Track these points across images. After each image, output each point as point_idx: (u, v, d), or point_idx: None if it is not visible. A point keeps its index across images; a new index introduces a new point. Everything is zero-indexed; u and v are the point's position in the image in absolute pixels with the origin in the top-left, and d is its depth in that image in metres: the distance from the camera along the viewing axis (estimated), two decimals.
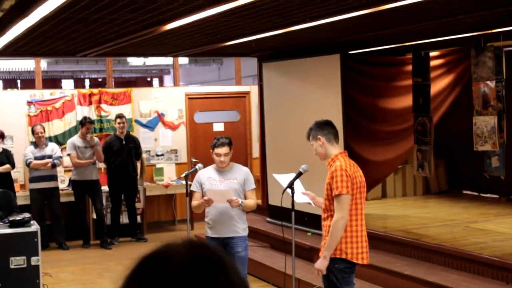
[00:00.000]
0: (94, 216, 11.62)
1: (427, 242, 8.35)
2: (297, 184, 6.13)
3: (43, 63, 17.81)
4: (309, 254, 9.15)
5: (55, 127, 12.17)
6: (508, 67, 9.41)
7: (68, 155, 11.33)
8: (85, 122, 11.33)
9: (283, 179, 6.33)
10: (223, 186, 6.78)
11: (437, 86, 10.05)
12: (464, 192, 12.45)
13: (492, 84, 8.96)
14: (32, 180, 11.11)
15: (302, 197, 6.11)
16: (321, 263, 5.56)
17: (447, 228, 9.24)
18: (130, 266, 1.24)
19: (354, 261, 5.58)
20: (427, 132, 9.72)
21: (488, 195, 11.85)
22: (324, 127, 5.75)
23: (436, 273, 7.61)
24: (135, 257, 1.26)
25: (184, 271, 1.18)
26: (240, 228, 6.85)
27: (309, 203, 6.11)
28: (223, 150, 6.78)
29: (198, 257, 1.21)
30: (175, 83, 13.89)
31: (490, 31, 8.65)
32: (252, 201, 6.89)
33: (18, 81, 25.60)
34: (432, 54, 10.03)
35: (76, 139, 11.36)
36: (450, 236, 8.67)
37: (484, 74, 9.04)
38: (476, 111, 9.21)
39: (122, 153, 11.52)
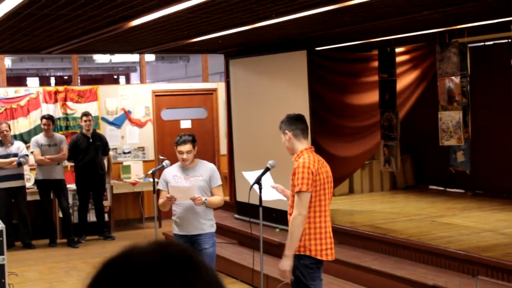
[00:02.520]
0: (61, 215, 11.52)
1: (394, 236, 8.40)
2: (267, 179, 6.10)
3: (7, 61, 17.59)
4: (278, 250, 9.14)
5: (20, 125, 12.04)
6: (472, 63, 9.51)
7: (32, 152, 11.21)
8: (41, 118, 11.30)
9: (252, 176, 6.30)
10: (188, 184, 6.74)
11: (403, 82, 10.12)
12: (431, 187, 12.56)
13: (457, 79, 9.04)
14: None
15: (271, 194, 6.09)
16: (284, 263, 5.48)
17: (414, 223, 9.31)
18: (93, 270, 1.20)
19: (319, 257, 5.54)
20: (394, 127, 9.78)
21: (454, 189, 11.97)
22: (293, 122, 5.70)
23: (404, 267, 7.66)
24: (102, 256, 1.21)
25: (151, 270, 1.13)
26: (207, 225, 6.83)
27: (280, 199, 6.09)
28: (185, 147, 6.72)
29: (165, 256, 1.16)
30: (142, 81, 13.82)
31: (455, 27, 8.72)
32: (218, 197, 6.85)
33: None
34: (397, 50, 10.10)
35: (40, 137, 11.24)
36: (417, 231, 8.74)
37: (449, 69, 9.12)
38: (441, 106, 9.30)
39: (89, 151, 11.43)
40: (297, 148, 5.65)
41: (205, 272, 1.17)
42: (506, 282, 6.83)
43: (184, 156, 6.72)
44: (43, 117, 11.32)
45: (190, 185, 6.69)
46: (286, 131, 5.65)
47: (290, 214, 5.63)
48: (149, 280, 1.12)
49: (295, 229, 5.45)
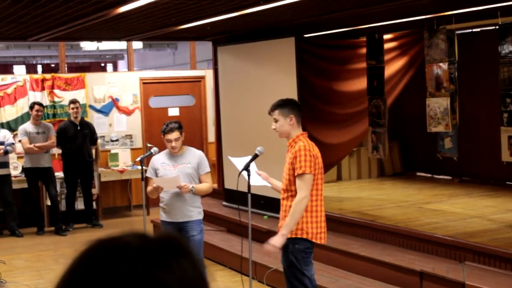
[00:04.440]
0: (49, 203, 11.49)
1: (382, 223, 8.43)
2: (251, 165, 6.12)
3: None
4: (266, 237, 9.10)
5: (7, 113, 11.97)
6: (460, 49, 9.52)
7: (20, 141, 11.16)
8: (33, 104, 11.20)
9: (239, 162, 6.32)
10: (177, 171, 6.75)
11: (391, 68, 10.12)
12: (418, 173, 12.59)
13: (444, 66, 9.06)
14: None
15: (258, 180, 6.11)
16: (278, 240, 5.53)
17: (401, 209, 9.34)
18: (81, 248, 1.20)
19: (314, 240, 5.62)
20: (382, 114, 9.80)
21: (441, 176, 12.01)
22: (295, 107, 5.76)
23: (391, 254, 7.70)
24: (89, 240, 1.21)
25: (136, 261, 1.12)
26: (194, 212, 6.84)
27: (264, 185, 6.11)
28: (173, 135, 6.73)
29: (154, 249, 1.15)
30: (129, 68, 13.76)
31: (442, 14, 8.73)
32: (206, 185, 6.87)
33: None
34: (386, 37, 10.09)
35: (27, 125, 11.19)
36: (404, 217, 8.77)
37: (437, 56, 9.14)
38: (429, 92, 9.31)
39: (77, 139, 11.38)
40: (294, 132, 5.68)
41: (183, 273, 1.14)
42: (493, 267, 6.87)
43: (173, 144, 6.74)
44: (35, 103, 11.23)
45: (176, 174, 6.70)
46: (292, 116, 5.65)
47: (284, 199, 5.67)
48: (131, 271, 1.11)
49: (299, 212, 5.52)
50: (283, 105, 5.73)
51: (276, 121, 5.72)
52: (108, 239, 1.19)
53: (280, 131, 5.74)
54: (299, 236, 5.59)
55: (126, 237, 1.18)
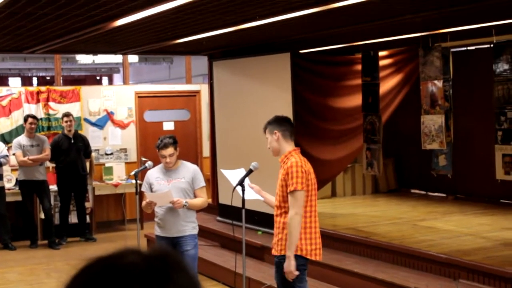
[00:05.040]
0: (42, 216, 11.44)
1: (376, 240, 8.41)
2: (245, 180, 6.12)
3: None
4: (260, 253, 9.15)
5: (2, 125, 11.95)
6: (455, 67, 9.56)
7: (13, 154, 11.12)
8: (27, 117, 11.18)
9: (231, 174, 6.32)
10: (171, 186, 6.73)
11: (386, 85, 10.15)
12: (412, 191, 12.58)
13: (439, 83, 9.09)
14: None
15: (251, 194, 6.10)
16: (289, 265, 5.50)
17: (395, 226, 9.32)
18: (81, 265, 1.19)
19: (309, 257, 5.59)
20: (376, 131, 9.81)
21: (436, 193, 12.00)
22: (283, 122, 5.76)
23: (385, 271, 7.67)
24: (83, 258, 1.20)
25: (136, 282, 1.13)
26: (188, 227, 6.82)
27: (257, 198, 6.10)
28: (168, 151, 6.72)
29: (152, 270, 1.16)
30: (125, 82, 13.77)
31: (437, 32, 8.77)
32: (201, 199, 6.84)
33: None
34: (381, 53, 10.13)
35: (21, 138, 11.15)
36: (398, 234, 8.75)
37: (431, 73, 9.16)
38: (424, 110, 9.33)
39: (71, 152, 11.35)
40: (285, 149, 5.67)
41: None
42: (487, 285, 6.86)
43: (167, 159, 6.72)
44: (29, 116, 11.20)
45: (167, 190, 6.68)
46: (276, 131, 5.67)
47: (277, 215, 5.65)
48: None
49: (294, 229, 5.49)
50: (271, 122, 5.78)
51: (267, 139, 5.76)
52: (109, 257, 1.18)
53: (271, 149, 5.77)
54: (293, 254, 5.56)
55: (127, 255, 1.17)
